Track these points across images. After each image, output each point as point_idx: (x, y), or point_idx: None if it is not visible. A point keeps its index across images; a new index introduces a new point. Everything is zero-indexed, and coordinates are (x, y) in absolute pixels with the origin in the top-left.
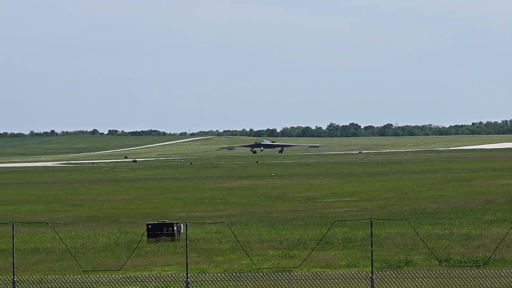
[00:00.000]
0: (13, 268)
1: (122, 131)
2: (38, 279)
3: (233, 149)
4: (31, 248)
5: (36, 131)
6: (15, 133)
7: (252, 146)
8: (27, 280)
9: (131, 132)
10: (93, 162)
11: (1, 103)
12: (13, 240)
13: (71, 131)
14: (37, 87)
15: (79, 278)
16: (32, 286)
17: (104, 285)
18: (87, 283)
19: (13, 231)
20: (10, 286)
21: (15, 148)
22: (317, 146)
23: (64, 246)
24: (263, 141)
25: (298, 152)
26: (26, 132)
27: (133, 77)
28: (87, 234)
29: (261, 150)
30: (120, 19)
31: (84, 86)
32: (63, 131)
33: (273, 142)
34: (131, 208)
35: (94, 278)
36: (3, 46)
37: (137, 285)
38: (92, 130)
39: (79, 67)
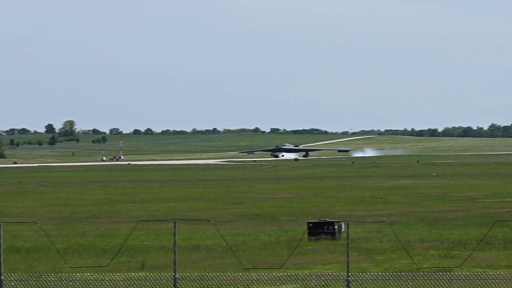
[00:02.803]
0: (175, 265)
1: (284, 130)
2: (198, 276)
3: (253, 153)
4: (192, 245)
5: (198, 128)
6: (178, 130)
7: (273, 150)
8: (188, 277)
9: (292, 130)
10: (254, 160)
11: (166, 101)
12: (174, 237)
13: (233, 129)
14: (200, 86)
15: (240, 276)
16: (193, 283)
17: (264, 283)
18: (247, 280)
19: (174, 228)
20: (171, 283)
21: (177, 146)
22: (347, 151)
23: (225, 244)
24: (284, 145)
25: (324, 155)
26: (189, 130)
27: (296, 75)
28: (248, 231)
29: (282, 155)
30: (283, 17)
31: (245, 84)
32: (225, 129)
33: (296, 146)
34: (292, 206)
35: (254, 276)
36: (178, 47)
37: (298, 283)
38: (254, 128)
39: (242, 66)
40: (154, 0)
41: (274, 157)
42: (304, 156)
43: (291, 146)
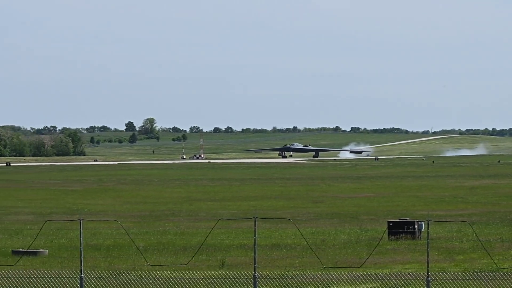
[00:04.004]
0: (254, 264)
1: (364, 129)
2: (278, 275)
3: (261, 152)
4: (272, 244)
5: (278, 127)
6: (258, 129)
7: (281, 150)
8: (268, 275)
9: (373, 129)
10: (335, 159)
11: (247, 99)
12: (254, 236)
13: (314, 127)
14: (281, 85)
15: (320, 275)
16: (273, 282)
17: (344, 282)
18: (327, 279)
19: (255, 226)
20: (251, 281)
21: (257, 144)
22: (360, 152)
23: (305, 242)
24: (293, 145)
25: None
26: (269, 128)
27: (377, 74)
28: (328, 231)
29: (290, 156)
30: (362, 16)
31: (325, 83)
32: (305, 128)
33: (305, 145)
34: (372, 205)
35: (334, 275)
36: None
37: (377, 282)
38: (334, 127)
39: (323, 65)
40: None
41: (282, 157)
42: (314, 156)
43: (300, 146)
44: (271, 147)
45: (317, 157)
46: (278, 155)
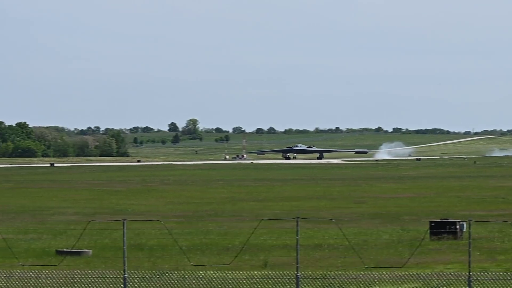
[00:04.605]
0: (297, 264)
1: (406, 129)
2: (321, 275)
3: (263, 154)
4: (314, 244)
5: (321, 127)
6: (300, 129)
7: (284, 151)
8: (310, 276)
9: (415, 130)
10: (377, 160)
11: (289, 100)
12: (297, 236)
13: (356, 128)
14: (323, 85)
15: (362, 275)
16: (315, 282)
17: (386, 282)
18: (369, 279)
19: (297, 226)
20: (293, 281)
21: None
22: (366, 152)
23: (347, 243)
24: (296, 146)
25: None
26: (311, 129)
27: (419, 75)
28: (370, 231)
29: (294, 157)
30: (406, 17)
31: (367, 84)
32: (347, 128)
33: (309, 146)
34: (414, 205)
35: (376, 275)
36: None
37: (419, 282)
38: (376, 127)
39: (367, 66)
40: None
41: (286, 159)
42: (318, 158)
43: (304, 147)
44: (274, 149)
45: (321, 158)
46: (282, 156)
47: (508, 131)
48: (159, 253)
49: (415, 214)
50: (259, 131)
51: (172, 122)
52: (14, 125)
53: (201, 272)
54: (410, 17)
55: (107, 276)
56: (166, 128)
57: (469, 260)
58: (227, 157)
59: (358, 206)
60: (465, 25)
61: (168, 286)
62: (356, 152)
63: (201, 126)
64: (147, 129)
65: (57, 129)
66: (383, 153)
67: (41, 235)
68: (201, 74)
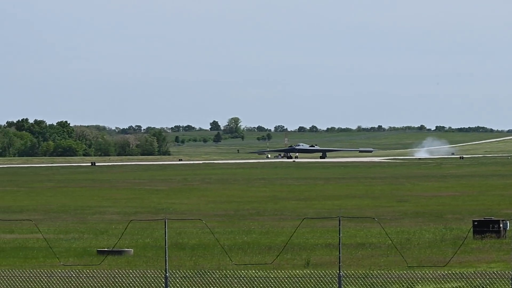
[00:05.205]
0: (339, 263)
1: (449, 127)
2: (363, 274)
3: (264, 153)
4: (356, 243)
5: (363, 126)
6: (343, 128)
7: (285, 151)
8: (353, 275)
9: (458, 128)
10: (419, 158)
11: (331, 98)
12: (339, 235)
13: (398, 126)
14: (364, 84)
15: (404, 274)
16: (357, 281)
17: (429, 281)
18: (412, 278)
19: (339, 225)
20: (335, 280)
21: (342, 143)
22: (371, 151)
23: (390, 241)
24: (298, 145)
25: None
26: (354, 127)
27: (462, 74)
28: (413, 230)
29: (296, 157)
30: (445, 16)
31: (409, 82)
32: (390, 127)
33: (312, 146)
34: (457, 204)
35: (419, 274)
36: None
37: (462, 281)
38: (419, 126)
39: (407, 65)
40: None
41: (287, 158)
42: (321, 157)
43: (306, 146)
44: (275, 149)
45: (324, 158)
46: (283, 156)
47: None
48: (201, 252)
49: (458, 212)
50: (301, 129)
51: (214, 121)
52: (55, 124)
53: (242, 271)
54: (442, 17)
55: (148, 275)
56: (208, 127)
57: None
58: (269, 155)
59: (400, 205)
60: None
61: (210, 285)
62: (360, 151)
63: (243, 124)
64: (188, 128)
65: (98, 128)
66: (425, 152)
67: (82, 234)
68: (243, 73)
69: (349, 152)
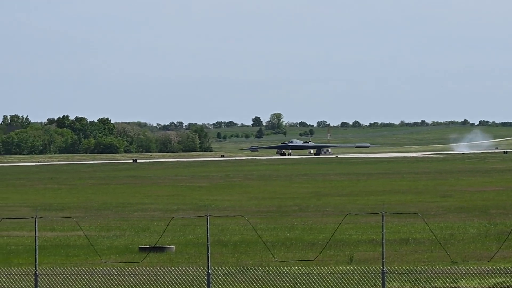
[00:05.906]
0: (382, 259)
1: (493, 122)
2: (407, 269)
3: (257, 150)
4: (400, 238)
5: (406, 121)
6: (385, 123)
7: (279, 148)
8: (396, 270)
9: (501, 122)
10: (463, 153)
11: (375, 93)
12: (382, 231)
13: (442, 121)
14: (408, 79)
15: (448, 269)
16: (401, 276)
17: (473, 276)
18: (456, 274)
19: (382, 221)
20: (379, 276)
21: (385, 138)
22: (367, 146)
23: (434, 237)
24: (291, 141)
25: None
26: (397, 122)
27: (507, 68)
28: (457, 225)
29: (289, 154)
30: (490, 13)
31: (453, 77)
32: (433, 121)
33: (305, 142)
34: (501, 199)
35: (463, 270)
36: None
37: (507, 277)
38: (462, 120)
39: (454, 61)
40: None
41: (281, 155)
42: (315, 154)
43: (300, 143)
44: (268, 145)
45: (319, 154)
46: (276, 153)
47: None
48: (243, 249)
49: (503, 207)
50: (343, 125)
51: (256, 117)
52: (96, 121)
53: (285, 268)
54: (488, 14)
55: (191, 272)
56: (250, 123)
57: None
58: (312, 151)
59: (444, 200)
60: None
61: (253, 282)
62: (357, 147)
63: (285, 120)
64: (230, 124)
65: (139, 124)
66: (466, 146)
67: (123, 231)
68: (285, 69)
69: (347, 148)
